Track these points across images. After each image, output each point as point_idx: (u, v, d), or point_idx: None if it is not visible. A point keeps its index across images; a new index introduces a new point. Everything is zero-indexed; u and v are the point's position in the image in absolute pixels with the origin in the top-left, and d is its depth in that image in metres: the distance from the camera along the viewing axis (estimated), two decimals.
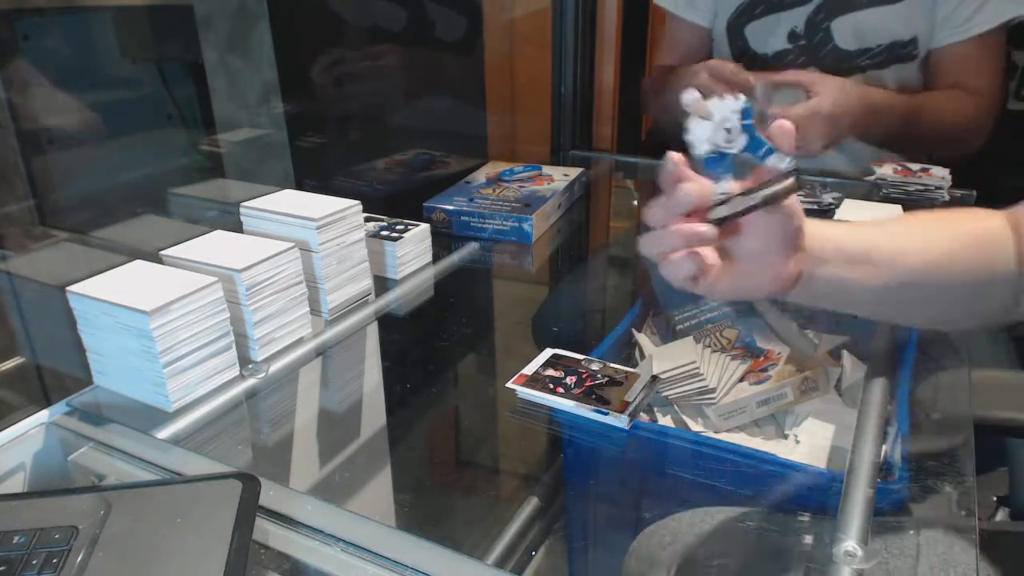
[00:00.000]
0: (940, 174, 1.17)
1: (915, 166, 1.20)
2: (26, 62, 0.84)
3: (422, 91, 1.49)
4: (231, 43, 1.05)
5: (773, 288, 0.50)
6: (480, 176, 1.35)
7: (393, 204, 1.12)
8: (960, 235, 0.53)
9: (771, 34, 1.30)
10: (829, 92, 1.10)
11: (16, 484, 0.68)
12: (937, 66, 1.26)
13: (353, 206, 0.88)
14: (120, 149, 0.95)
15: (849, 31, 1.26)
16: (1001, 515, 0.97)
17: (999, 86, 1.26)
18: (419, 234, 1.01)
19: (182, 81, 1.01)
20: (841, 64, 1.29)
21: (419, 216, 1.17)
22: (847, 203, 1.12)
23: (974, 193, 1.22)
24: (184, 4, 1.00)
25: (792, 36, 1.29)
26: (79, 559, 0.49)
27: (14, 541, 0.50)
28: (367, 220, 0.97)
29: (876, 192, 1.18)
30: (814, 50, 1.29)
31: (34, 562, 0.49)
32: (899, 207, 1.09)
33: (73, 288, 0.70)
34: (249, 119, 1.10)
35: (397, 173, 1.40)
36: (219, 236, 0.83)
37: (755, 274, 0.49)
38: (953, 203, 1.17)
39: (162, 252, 0.80)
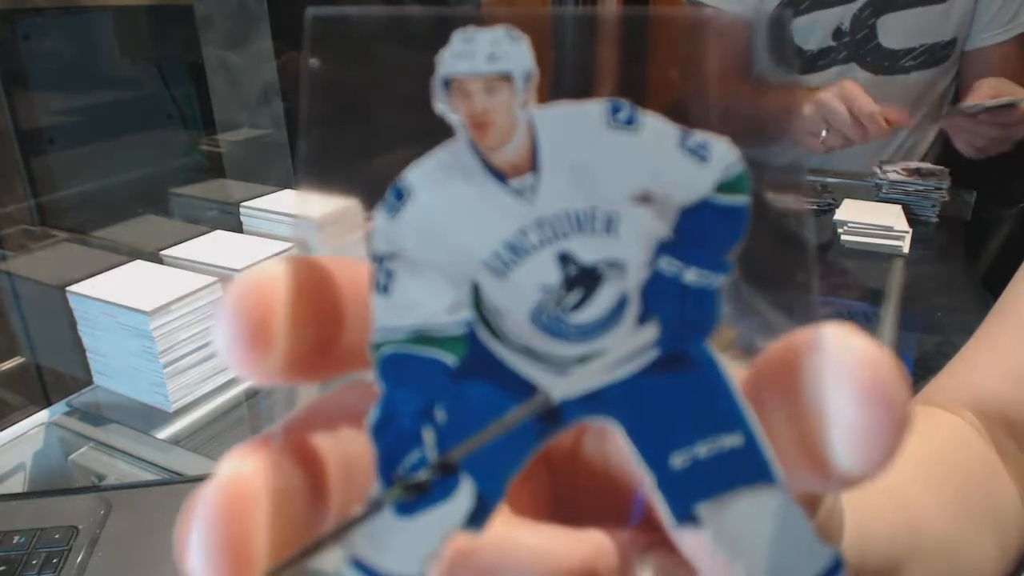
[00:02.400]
0: (941, 172, 1.17)
1: (914, 166, 1.20)
2: (26, 62, 0.84)
3: (422, 90, 1.49)
4: (231, 43, 1.05)
5: None
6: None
7: None
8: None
9: (816, 30, 1.29)
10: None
11: (16, 484, 0.68)
12: (980, 65, 1.26)
13: (353, 206, 0.88)
14: (120, 149, 0.95)
15: (895, 30, 1.26)
16: None
17: None
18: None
19: (182, 81, 1.01)
20: (884, 63, 1.28)
21: None
22: (847, 203, 1.12)
23: (974, 193, 1.22)
24: (184, 4, 1.00)
25: (837, 33, 1.28)
26: (79, 559, 0.49)
27: (14, 541, 0.50)
28: (367, 220, 0.97)
29: (877, 192, 1.18)
30: (857, 47, 1.28)
31: (34, 562, 0.49)
32: (899, 207, 1.09)
33: (73, 288, 0.70)
34: (249, 119, 1.10)
35: (397, 173, 1.40)
36: (219, 236, 0.83)
37: None
38: (953, 203, 1.16)
39: (162, 252, 0.80)
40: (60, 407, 0.72)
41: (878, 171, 1.20)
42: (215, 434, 0.70)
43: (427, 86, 0.12)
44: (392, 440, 0.12)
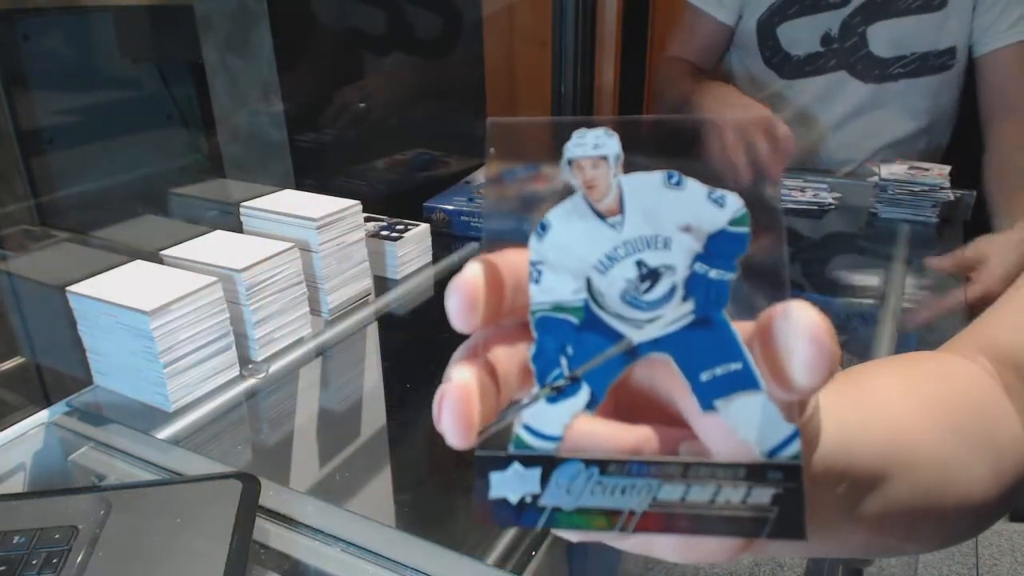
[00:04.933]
0: (941, 172, 1.17)
1: (916, 164, 1.20)
2: (26, 62, 0.84)
3: (422, 91, 1.49)
4: (231, 43, 1.05)
5: (742, 550, 0.23)
6: (480, 176, 1.35)
7: (393, 204, 1.12)
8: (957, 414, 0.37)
9: (804, 36, 1.28)
10: (997, 264, 0.95)
11: (16, 484, 0.68)
12: (987, 72, 1.25)
13: (353, 206, 0.88)
14: (120, 149, 0.95)
15: (885, 37, 1.25)
16: None
17: None
18: (419, 234, 1.01)
19: (182, 81, 1.01)
20: (874, 71, 1.27)
21: (419, 216, 1.18)
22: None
23: (974, 193, 1.22)
24: (184, 4, 1.00)
25: (826, 39, 1.27)
26: (79, 559, 0.49)
27: (14, 541, 0.50)
28: (367, 220, 0.97)
29: (878, 193, 1.17)
30: (846, 54, 1.27)
31: (34, 562, 0.49)
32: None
33: (73, 288, 0.70)
34: (249, 119, 1.10)
35: (397, 173, 1.40)
36: (219, 236, 0.83)
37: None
38: (953, 203, 1.17)
39: (162, 252, 0.80)
40: (60, 407, 0.72)
41: (878, 171, 1.20)
42: (215, 434, 0.70)
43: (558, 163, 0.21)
44: (543, 363, 0.21)
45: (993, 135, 1.23)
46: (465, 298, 0.21)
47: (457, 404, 0.20)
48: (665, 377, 0.22)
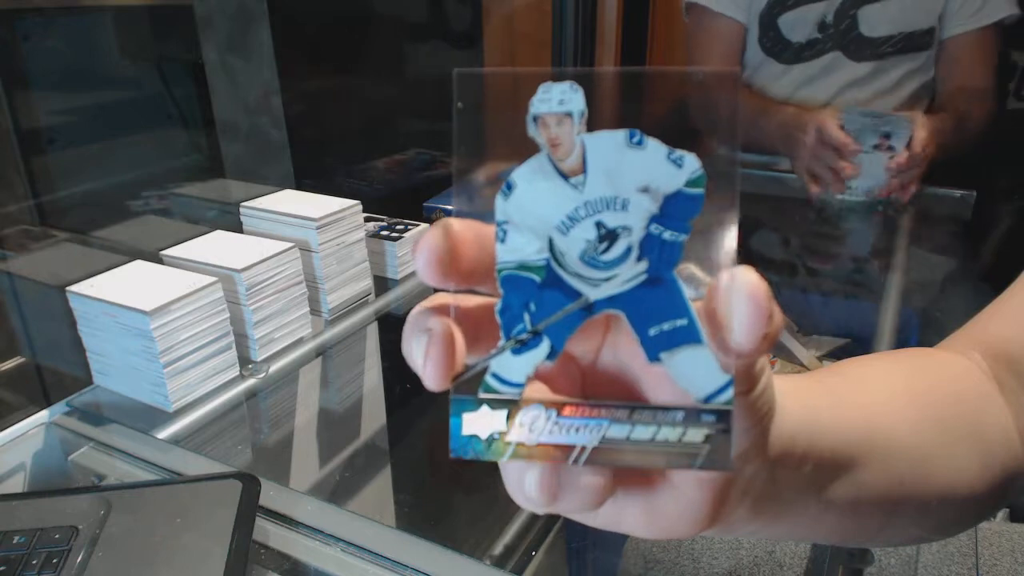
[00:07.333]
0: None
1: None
2: (26, 62, 0.84)
3: (422, 91, 1.49)
4: (231, 43, 1.05)
5: (707, 523, 0.25)
6: (480, 176, 1.35)
7: (393, 204, 1.12)
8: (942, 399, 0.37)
9: (803, 24, 1.36)
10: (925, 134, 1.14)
11: (16, 484, 0.68)
12: (950, 54, 1.33)
13: (353, 206, 0.88)
14: (120, 149, 0.95)
15: (874, 19, 1.32)
16: (1000, 516, 0.97)
17: (996, 74, 1.34)
18: (419, 234, 1.01)
19: (182, 81, 1.01)
20: (865, 51, 1.34)
21: (419, 216, 1.18)
22: None
23: (974, 193, 1.22)
24: (184, 4, 1.00)
25: (822, 25, 1.35)
26: (79, 559, 0.49)
27: (14, 541, 0.50)
28: (367, 220, 0.97)
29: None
30: (840, 37, 1.35)
31: (34, 562, 0.49)
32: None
33: (73, 288, 0.70)
34: (249, 119, 1.10)
35: (397, 173, 1.40)
36: (219, 236, 0.83)
37: (679, 501, 0.24)
38: (954, 203, 1.16)
39: (162, 252, 0.80)
40: (60, 407, 0.72)
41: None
42: (215, 434, 0.70)
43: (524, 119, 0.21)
44: (509, 318, 0.23)
45: (950, 110, 1.30)
46: (430, 253, 0.22)
47: (440, 348, 0.22)
48: (627, 349, 0.24)
